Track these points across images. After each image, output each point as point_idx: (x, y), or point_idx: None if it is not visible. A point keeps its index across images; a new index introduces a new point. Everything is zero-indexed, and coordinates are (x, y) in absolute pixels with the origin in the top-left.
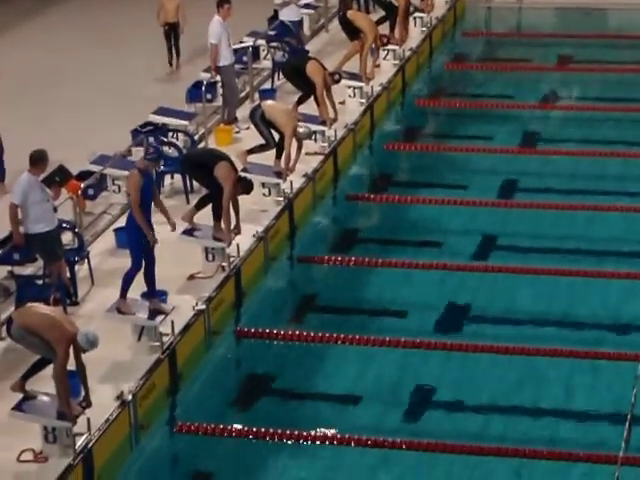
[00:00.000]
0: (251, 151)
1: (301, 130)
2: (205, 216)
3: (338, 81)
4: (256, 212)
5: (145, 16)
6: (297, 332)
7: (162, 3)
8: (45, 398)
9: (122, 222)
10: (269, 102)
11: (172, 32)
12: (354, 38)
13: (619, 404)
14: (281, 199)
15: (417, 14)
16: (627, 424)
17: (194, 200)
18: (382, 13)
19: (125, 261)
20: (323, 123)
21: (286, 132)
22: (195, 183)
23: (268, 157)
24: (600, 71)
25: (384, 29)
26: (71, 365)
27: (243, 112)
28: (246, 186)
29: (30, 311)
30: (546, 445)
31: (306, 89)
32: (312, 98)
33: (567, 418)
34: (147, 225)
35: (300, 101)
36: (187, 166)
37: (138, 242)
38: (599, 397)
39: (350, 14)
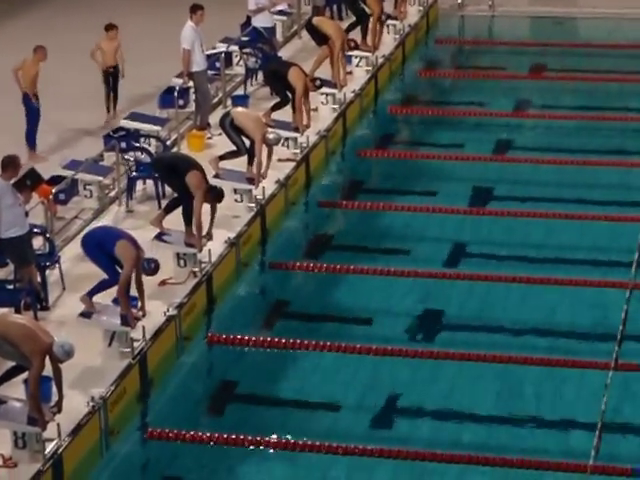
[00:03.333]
0: (223, 157)
1: (270, 136)
2: (177, 222)
3: (319, 87)
4: (228, 218)
5: (125, 20)
6: (268, 338)
7: (99, 45)
8: (15, 403)
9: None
10: (238, 109)
11: (111, 76)
12: (322, 44)
13: (589, 412)
14: (253, 205)
15: (390, 21)
16: (597, 432)
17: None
18: (354, 19)
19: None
20: (296, 129)
21: (256, 138)
22: (167, 189)
23: (241, 163)
24: (572, 80)
25: (356, 36)
26: (46, 371)
27: (215, 118)
28: (217, 195)
29: (5, 320)
30: (517, 453)
31: (284, 95)
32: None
33: (538, 426)
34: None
35: (274, 108)
36: (159, 168)
37: (102, 257)
38: (569, 405)
39: (316, 20)
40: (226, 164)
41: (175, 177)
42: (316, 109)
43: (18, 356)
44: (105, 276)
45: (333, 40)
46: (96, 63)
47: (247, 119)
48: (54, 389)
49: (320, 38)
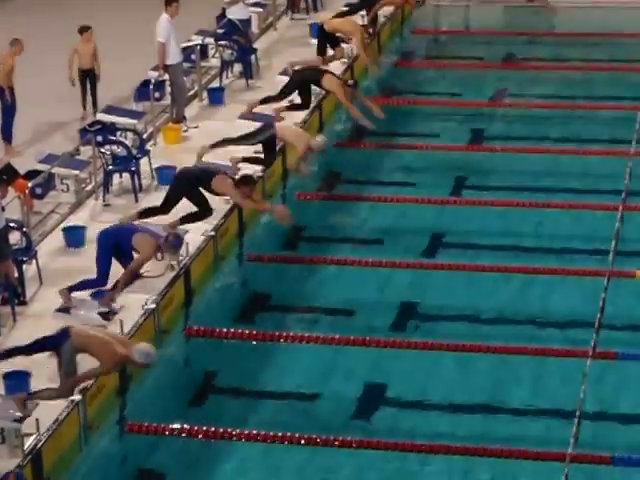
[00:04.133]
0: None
1: (317, 140)
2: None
3: (353, 87)
4: None
5: (100, 14)
6: (247, 331)
7: (75, 48)
8: None
9: (70, 221)
10: (282, 124)
11: (87, 79)
12: (335, 46)
13: (567, 401)
14: None
15: (363, 12)
16: (576, 421)
17: (142, 199)
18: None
19: (73, 260)
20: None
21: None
22: (144, 182)
23: (224, 154)
24: (548, 69)
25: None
26: (18, 365)
27: (191, 111)
28: (248, 181)
29: (91, 338)
30: (496, 443)
31: (308, 102)
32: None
33: (515, 415)
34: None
35: (291, 108)
36: (183, 185)
37: (107, 259)
38: (547, 394)
39: (328, 26)
40: (208, 157)
41: (200, 190)
42: (291, 101)
43: (74, 366)
44: (90, 276)
45: (353, 34)
46: (70, 69)
47: (289, 133)
48: (33, 384)
49: (333, 40)
